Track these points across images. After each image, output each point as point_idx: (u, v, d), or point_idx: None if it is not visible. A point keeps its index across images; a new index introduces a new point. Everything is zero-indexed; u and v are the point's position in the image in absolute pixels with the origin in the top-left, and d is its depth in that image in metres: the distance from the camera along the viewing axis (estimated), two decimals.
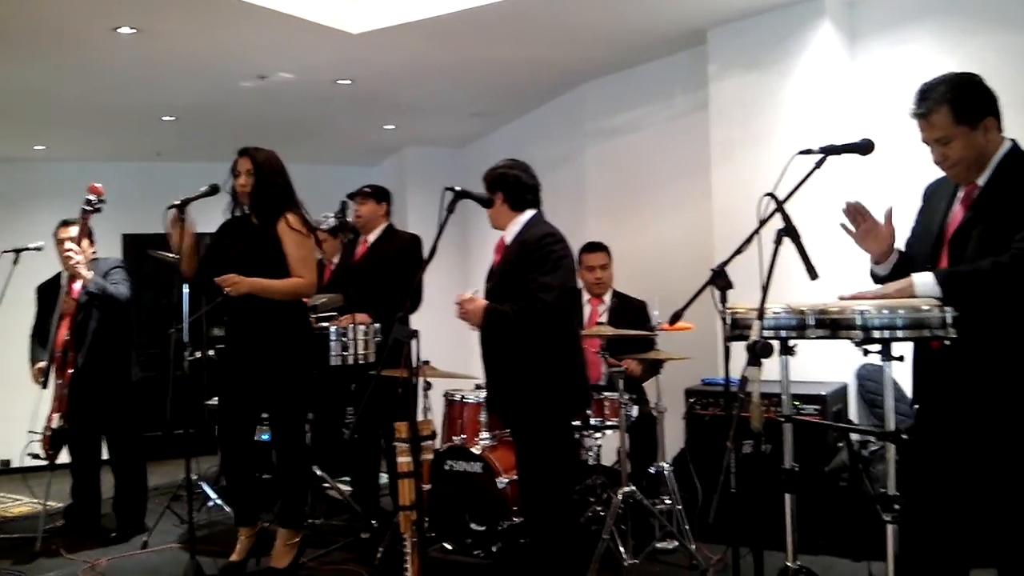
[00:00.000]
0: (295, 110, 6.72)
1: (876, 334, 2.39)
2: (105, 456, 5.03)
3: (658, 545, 4.27)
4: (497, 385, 3.59)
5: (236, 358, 4.09)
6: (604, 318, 4.89)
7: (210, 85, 5.94)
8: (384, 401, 4.10)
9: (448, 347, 4.64)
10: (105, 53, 5.14)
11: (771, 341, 2.42)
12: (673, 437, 4.66)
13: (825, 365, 4.44)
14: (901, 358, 2.50)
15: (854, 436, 4.30)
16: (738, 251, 2.64)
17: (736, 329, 2.60)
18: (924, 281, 2.45)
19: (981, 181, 2.57)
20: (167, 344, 4.48)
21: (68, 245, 4.64)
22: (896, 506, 2.45)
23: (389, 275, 4.78)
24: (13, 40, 4.85)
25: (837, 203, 4.65)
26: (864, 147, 2.66)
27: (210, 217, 4.40)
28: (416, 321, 3.93)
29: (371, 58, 5.50)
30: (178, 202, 3.96)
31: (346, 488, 5.20)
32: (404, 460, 3.23)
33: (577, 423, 4.19)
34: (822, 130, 4.57)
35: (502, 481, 4.05)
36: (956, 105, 2.50)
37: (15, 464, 5.28)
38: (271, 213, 4.01)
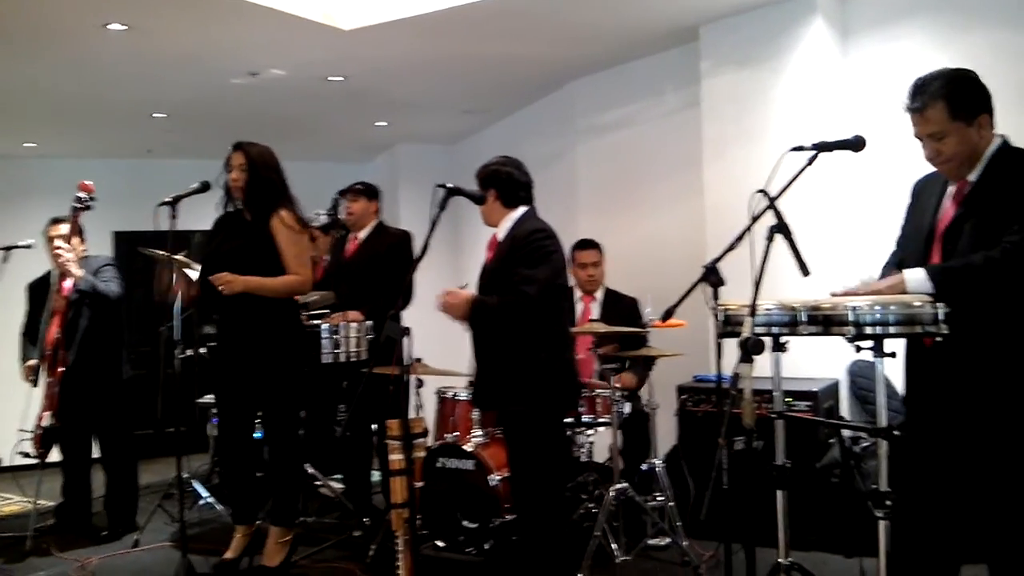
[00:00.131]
0: (287, 107, 6.70)
1: (868, 330, 2.39)
2: (96, 454, 5.01)
3: (650, 542, 4.27)
4: (483, 379, 3.57)
5: (228, 356, 4.08)
6: (596, 315, 4.88)
7: (201, 82, 5.92)
8: (376, 399, 4.10)
9: (440, 344, 4.63)
10: (95, 50, 5.12)
11: (763, 338, 2.43)
12: (665, 434, 4.66)
13: (817, 361, 4.45)
14: (893, 354, 2.50)
15: (846, 432, 4.31)
16: (730, 248, 2.64)
17: (728, 326, 2.60)
18: (915, 277, 2.46)
19: (972, 177, 2.57)
20: (158, 342, 4.47)
21: (58, 243, 4.62)
22: (888, 502, 2.46)
23: (380, 272, 4.78)
24: (3, 36, 4.82)
25: (829, 200, 4.66)
26: (856, 144, 2.66)
27: (202, 214, 4.39)
28: (408, 318, 3.93)
29: (363, 55, 5.49)
30: (169, 199, 3.94)
31: (338, 486, 5.19)
32: (396, 458, 3.23)
33: (569, 420, 4.19)
34: (814, 127, 4.57)
35: (494, 478, 4.04)
36: (952, 101, 2.50)
37: (6, 463, 5.25)
38: (264, 209, 3.99)
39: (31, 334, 4.90)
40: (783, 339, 2.62)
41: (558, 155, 6.71)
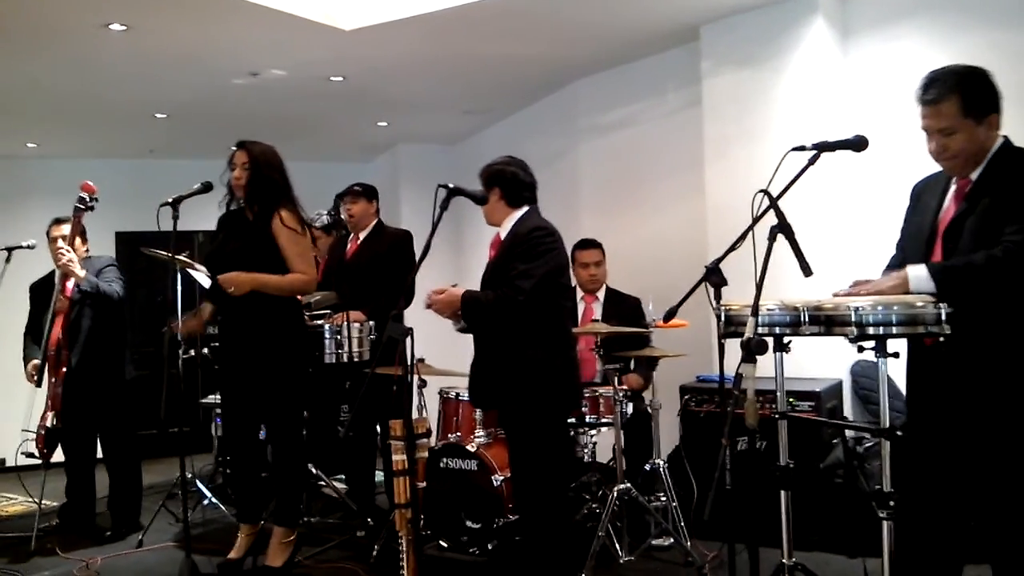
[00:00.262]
0: (287, 107, 6.70)
1: (871, 330, 2.39)
2: (100, 455, 5.02)
3: (653, 542, 4.27)
4: (480, 376, 3.57)
5: (232, 357, 4.08)
6: (598, 315, 4.88)
7: (202, 82, 5.92)
8: (379, 399, 4.10)
9: (443, 344, 4.63)
10: (96, 50, 5.12)
11: (766, 338, 2.43)
12: (668, 434, 4.66)
13: (820, 362, 4.46)
14: (896, 354, 2.50)
15: (849, 433, 4.31)
16: (732, 248, 2.64)
17: (730, 326, 2.60)
18: (918, 275, 2.46)
19: (974, 176, 2.58)
20: (161, 342, 4.47)
21: (60, 244, 4.63)
22: (891, 503, 2.45)
23: (382, 272, 4.78)
24: (3, 36, 4.83)
25: (831, 199, 4.65)
26: (857, 144, 2.66)
27: (204, 214, 4.39)
28: (411, 318, 3.93)
29: (364, 55, 5.49)
30: (171, 200, 3.94)
31: (341, 486, 5.20)
32: (399, 458, 3.23)
33: (572, 420, 4.19)
34: (815, 126, 4.57)
35: (497, 478, 4.04)
36: (966, 97, 2.50)
37: (10, 463, 5.27)
38: (265, 208, 3.99)
39: (34, 334, 4.91)
40: (786, 339, 2.62)
41: (559, 155, 6.71)
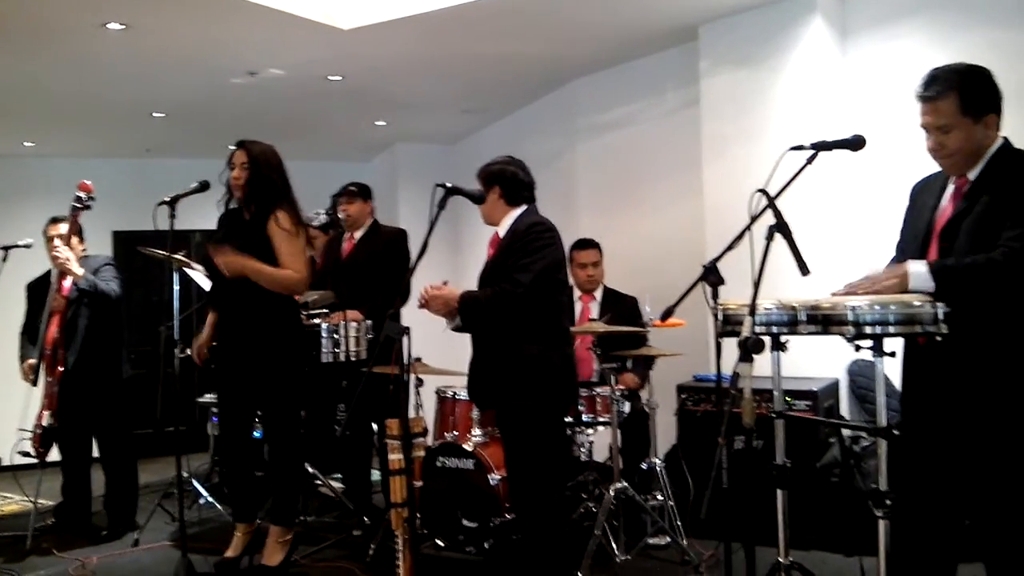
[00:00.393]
0: (286, 106, 6.70)
1: (868, 330, 2.39)
2: (96, 454, 5.01)
3: (650, 541, 4.27)
4: (478, 373, 3.56)
5: (228, 355, 4.08)
6: (595, 315, 4.88)
7: (200, 81, 5.91)
8: (376, 398, 4.10)
9: (440, 344, 4.61)
10: (94, 49, 5.12)
11: (763, 337, 2.43)
12: (665, 433, 4.66)
13: (817, 361, 4.46)
14: (893, 354, 2.50)
15: (846, 432, 4.31)
16: (730, 247, 2.64)
17: (728, 325, 2.59)
18: (918, 272, 2.44)
19: (972, 175, 2.57)
20: (158, 341, 4.46)
21: (57, 243, 4.62)
22: (888, 502, 2.45)
23: (379, 271, 4.78)
24: (2, 36, 4.82)
25: (828, 199, 4.66)
26: (855, 143, 2.66)
27: (202, 214, 4.38)
28: (407, 317, 3.93)
29: (362, 54, 5.49)
30: (168, 199, 3.94)
31: (338, 485, 5.20)
32: (396, 457, 3.23)
33: (569, 419, 4.19)
34: (813, 126, 4.57)
35: (494, 477, 4.04)
36: (964, 95, 2.50)
37: (5, 462, 5.25)
38: (262, 208, 3.97)
39: (31, 333, 4.90)
40: (783, 338, 2.61)
41: (557, 154, 6.71)
